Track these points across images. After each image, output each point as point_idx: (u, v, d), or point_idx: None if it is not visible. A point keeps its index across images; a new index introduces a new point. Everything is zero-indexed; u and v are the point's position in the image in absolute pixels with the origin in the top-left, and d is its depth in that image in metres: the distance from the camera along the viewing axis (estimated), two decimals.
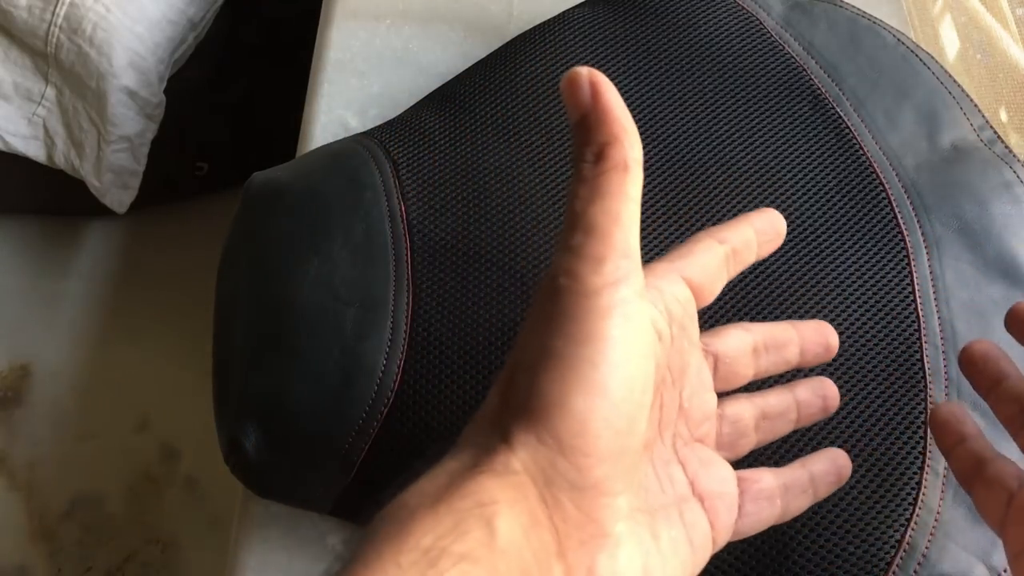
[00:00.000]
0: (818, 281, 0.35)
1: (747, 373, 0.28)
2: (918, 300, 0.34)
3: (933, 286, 0.35)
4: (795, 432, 0.32)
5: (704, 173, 0.38)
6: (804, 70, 0.40)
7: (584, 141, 0.22)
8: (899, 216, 0.36)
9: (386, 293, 0.36)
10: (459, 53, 0.48)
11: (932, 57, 0.40)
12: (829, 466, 0.28)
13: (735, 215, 0.36)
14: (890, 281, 0.35)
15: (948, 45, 0.52)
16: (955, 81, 0.40)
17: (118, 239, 1.04)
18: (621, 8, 0.42)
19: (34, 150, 0.80)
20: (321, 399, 0.34)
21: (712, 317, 0.34)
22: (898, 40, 0.41)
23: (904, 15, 0.49)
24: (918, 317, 0.34)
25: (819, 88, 0.39)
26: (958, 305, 0.34)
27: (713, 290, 0.27)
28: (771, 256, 0.36)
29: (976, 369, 0.29)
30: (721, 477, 0.26)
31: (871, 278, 0.35)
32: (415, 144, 0.40)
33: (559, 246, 0.22)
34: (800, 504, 0.27)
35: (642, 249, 0.36)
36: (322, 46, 0.49)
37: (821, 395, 0.29)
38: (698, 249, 0.27)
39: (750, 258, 0.28)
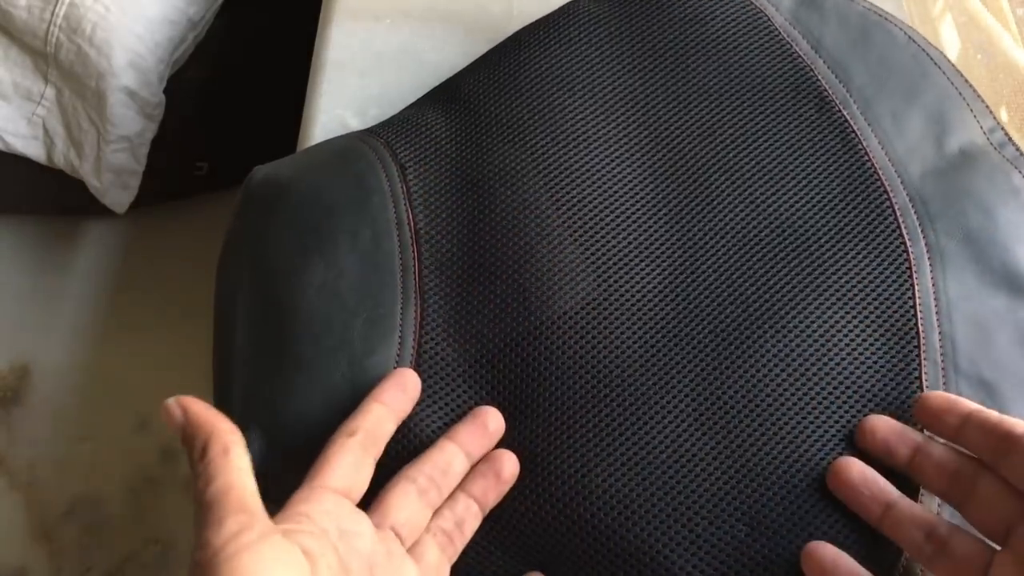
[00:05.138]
0: (820, 295, 0.34)
1: (424, 521, 0.31)
2: (919, 315, 0.34)
3: (935, 299, 0.34)
4: (786, 445, 0.32)
5: (707, 178, 0.37)
6: (811, 70, 0.39)
7: (190, 447, 0.26)
8: (903, 226, 0.35)
9: (393, 306, 0.35)
10: (459, 53, 0.48)
11: (944, 56, 0.40)
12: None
13: (738, 223, 0.36)
14: (891, 294, 0.34)
15: (948, 45, 0.52)
16: (966, 81, 0.39)
17: (118, 239, 1.04)
18: (626, 1, 0.42)
19: (34, 150, 0.80)
20: (327, 412, 0.33)
21: (714, 332, 0.34)
22: (909, 38, 0.40)
23: (905, 15, 0.49)
24: (918, 333, 0.33)
25: (825, 90, 0.39)
26: (960, 319, 0.34)
27: (361, 487, 0.30)
28: (773, 267, 0.35)
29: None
30: None
31: (872, 291, 0.34)
32: (421, 147, 0.39)
33: (195, 534, 0.25)
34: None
35: (644, 255, 0.36)
36: (322, 46, 0.49)
37: (494, 474, 0.32)
38: (332, 453, 0.30)
39: (390, 427, 0.32)
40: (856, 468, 0.30)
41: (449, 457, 0.32)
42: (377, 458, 0.31)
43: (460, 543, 0.32)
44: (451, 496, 0.32)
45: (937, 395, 0.31)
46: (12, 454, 0.92)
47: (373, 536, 0.29)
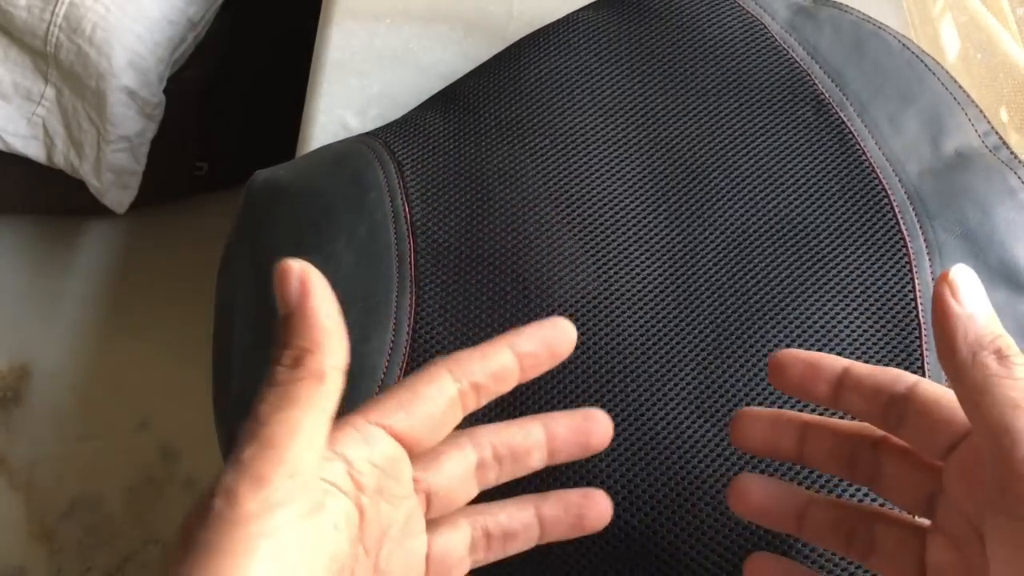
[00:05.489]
0: (820, 287, 0.35)
1: (465, 498, 0.25)
2: (920, 307, 0.34)
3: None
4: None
5: (706, 177, 0.38)
6: (808, 74, 0.40)
7: (284, 343, 0.20)
8: (901, 222, 0.36)
9: (389, 294, 0.36)
10: (459, 53, 0.48)
11: (937, 62, 0.40)
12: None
13: (737, 220, 0.37)
14: (892, 288, 0.35)
15: (948, 45, 0.52)
16: (960, 87, 0.39)
17: (118, 239, 1.04)
18: (626, 11, 0.42)
19: (34, 150, 0.80)
20: None
21: (715, 322, 0.34)
22: (903, 45, 0.41)
23: (904, 15, 0.49)
24: (919, 324, 0.34)
25: (822, 93, 0.39)
26: None
27: (435, 438, 0.24)
28: (773, 261, 0.36)
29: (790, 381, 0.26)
30: None
31: (873, 284, 0.35)
32: (419, 146, 0.40)
33: (231, 456, 0.20)
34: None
35: (643, 248, 0.36)
36: (322, 46, 0.49)
37: (576, 514, 0.26)
38: (423, 391, 0.23)
39: (505, 388, 0.25)
40: (754, 488, 0.27)
41: (530, 445, 0.25)
42: (460, 420, 0.24)
43: (492, 557, 0.26)
44: (516, 503, 0.26)
45: (788, 355, 0.26)
46: (12, 454, 0.92)
47: (409, 498, 0.24)
